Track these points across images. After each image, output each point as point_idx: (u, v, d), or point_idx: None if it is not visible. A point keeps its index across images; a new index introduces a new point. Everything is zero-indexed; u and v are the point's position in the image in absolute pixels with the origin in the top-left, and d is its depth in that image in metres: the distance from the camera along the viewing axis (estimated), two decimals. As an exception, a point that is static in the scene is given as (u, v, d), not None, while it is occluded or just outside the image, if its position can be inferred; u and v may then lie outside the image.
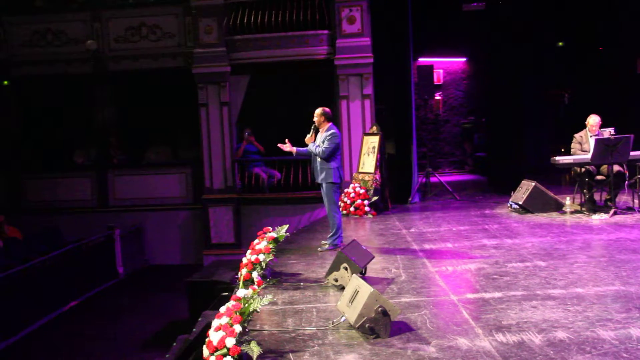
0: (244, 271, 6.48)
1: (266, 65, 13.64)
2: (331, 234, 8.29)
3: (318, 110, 8.19)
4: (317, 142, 8.11)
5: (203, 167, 13.91)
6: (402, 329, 5.06)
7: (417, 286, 6.37)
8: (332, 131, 8.07)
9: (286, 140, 8.29)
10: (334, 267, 6.42)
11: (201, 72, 13.67)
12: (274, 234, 6.91)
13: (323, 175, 8.09)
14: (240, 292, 5.03)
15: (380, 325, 4.89)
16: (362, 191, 11.29)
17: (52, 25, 14.67)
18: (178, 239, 14.56)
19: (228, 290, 7.36)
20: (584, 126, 10.03)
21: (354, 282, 5.34)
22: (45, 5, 15.00)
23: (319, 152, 8.03)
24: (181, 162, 14.99)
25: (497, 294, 5.89)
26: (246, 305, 4.82)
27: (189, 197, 14.60)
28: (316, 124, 8.16)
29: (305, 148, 8.21)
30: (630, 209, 9.77)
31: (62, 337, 10.48)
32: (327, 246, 8.24)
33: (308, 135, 8.14)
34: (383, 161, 11.99)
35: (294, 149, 8.25)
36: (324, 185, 8.17)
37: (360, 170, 12.13)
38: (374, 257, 6.91)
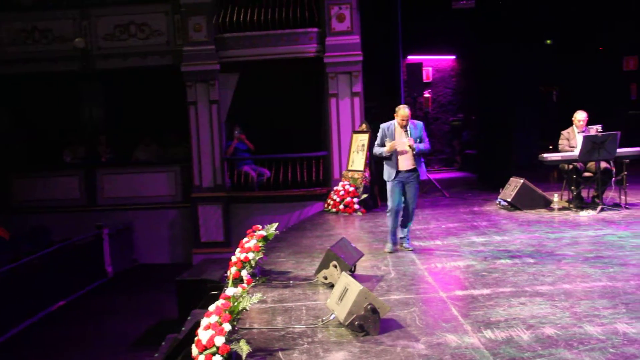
0: (233, 269, 6.49)
1: (256, 63, 13.60)
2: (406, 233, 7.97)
3: (408, 110, 7.58)
4: (411, 140, 7.51)
5: (192, 165, 13.87)
6: (391, 326, 5.09)
7: (406, 283, 6.39)
8: (420, 123, 7.69)
9: (410, 139, 7.49)
10: (324, 265, 6.44)
11: (190, 70, 13.62)
12: (263, 232, 6.92)
13: (417, 173, 7.63)
14: (230, 291, 5.04)
15: (369, 323, 4.91)
16: (351, 189, 11.31)
17: (39, 23, 14.56)
18: (167, 237, 14.50)
19: (217, 289, 7.34)
20: (572, 123, 10.09)
21: (344, 279, 5.35)
22: (32, 3, 14.89)
23: (428, 150, 7.71)
24: (170, 160, 14.92)
25: (486, 291, 5.93)
26: (235, 303, 4.83)
27: (178, 196, 14.54)
28: (406, 123, 7.55)
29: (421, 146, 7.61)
30: (617, 206, 9.84)
31: (50, 337, 10.43)
32: (405, 244, 7.94)
33: (409, 140, 7.47)
34: (372, 159, 12.00)
35: (414, 146, 7.52)
36: (416, 184, 7.67)
37: (349, 168, 12.15)
38: (363, 255, 6.94)
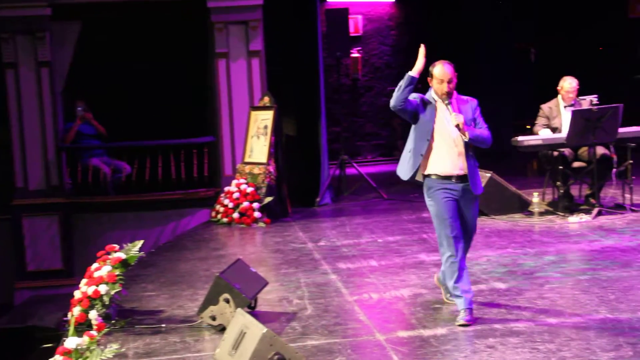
0: (76, 310, 6.41)
1: (106, 6, 13.43)
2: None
3: (449, 66, 6.57)
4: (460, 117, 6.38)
5: (12, 158, 13.53)
6: (308, 384, 5.13)
7: (328, 323, 6.44)
8: (474, 100, 6.66)
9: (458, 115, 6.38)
10: (211, 300, 6.42)
11: (5, 16, 13.26)
12: (122, 255, 6.86)
13: (478, 178, 6.64)
14: (71, 342, 4.96)
15: (277, 381, 4.94)
16: (249, 189, 11.31)
17: None
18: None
19: (53, 340, 7.24)
20: (555, 93, 10.34)
21: (240, 320, 5.36)
22: None
23: (487, 140, 6.55)
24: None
25: (441, 330, 6.04)
26: None
27: (-10, 204, 14.21)
28: (450, 90, 6.51)
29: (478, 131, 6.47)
30: (619, 207, 10.16)
31: None
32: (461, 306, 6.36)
33: (459, 117, 6.33)
34: (279, 147, 12.04)
35: (466, 130, 6.35)
36: (473, 200, 6.63)
37: (246, 159, 12.14)
38: (267, 283, 6.97)
